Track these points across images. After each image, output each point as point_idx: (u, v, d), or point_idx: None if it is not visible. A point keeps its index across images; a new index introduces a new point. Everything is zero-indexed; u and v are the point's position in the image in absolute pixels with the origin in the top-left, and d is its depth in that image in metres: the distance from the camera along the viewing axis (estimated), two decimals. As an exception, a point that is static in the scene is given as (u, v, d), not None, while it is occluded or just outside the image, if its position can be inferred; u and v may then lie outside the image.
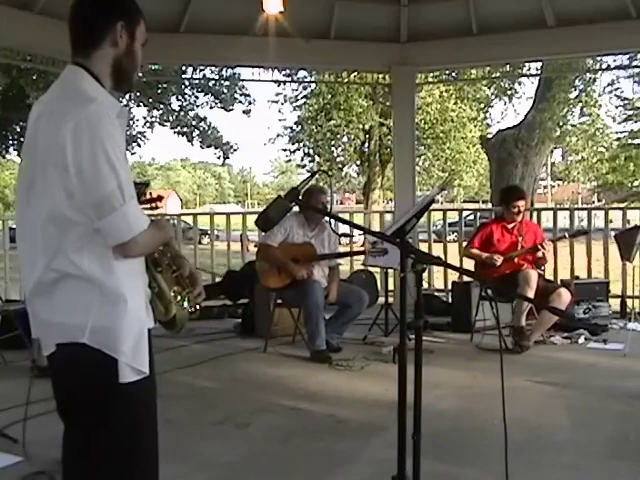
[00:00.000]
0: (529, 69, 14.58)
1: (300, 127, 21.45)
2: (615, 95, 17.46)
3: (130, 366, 1.72)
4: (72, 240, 1.68)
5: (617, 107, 18.62)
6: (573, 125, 16.90)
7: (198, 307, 2.04)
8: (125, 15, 1.82)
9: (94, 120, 1.65)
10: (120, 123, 1.76)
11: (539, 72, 14.06)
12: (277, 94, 21.56)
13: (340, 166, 22.25)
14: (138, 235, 1.67)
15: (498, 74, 14.64)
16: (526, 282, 5.20)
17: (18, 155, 19.50)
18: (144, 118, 18.62)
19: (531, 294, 5.12)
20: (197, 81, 18.17)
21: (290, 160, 25.52)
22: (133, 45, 1.83)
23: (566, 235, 5.81)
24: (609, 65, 14.90)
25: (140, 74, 1.96)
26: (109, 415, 1.76)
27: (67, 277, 1.69)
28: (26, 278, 1.80)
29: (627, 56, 13.72)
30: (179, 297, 1.97)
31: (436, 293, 7.41)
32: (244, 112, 19.66)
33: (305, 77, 18.68)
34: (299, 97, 21.06)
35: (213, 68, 15.53)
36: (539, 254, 5.50)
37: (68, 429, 1.85)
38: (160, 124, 18.92)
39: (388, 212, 9.22)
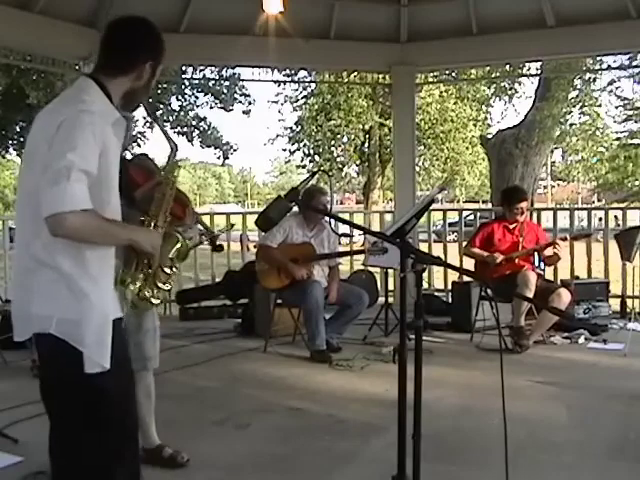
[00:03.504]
0: (529, 69, 14.58)
1: (300, 127, 21.44)
2: (615, 95, 17.47)
3: (93, 359, 1.80)
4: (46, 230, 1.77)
5: (617, 107, 18.64)
6: (573, 124, 16.89)
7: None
8: (156, 56, 2.03)
9: (76, 114, 1.79)
10: (115, 131, 1.91)
11: (539, 72, 14.06)
12: (277, 94, 21.57)
13: (340, 166, 22.23)
14: (69, 212, 1.71)
15: (498, 74, 14.65)
16: (525, 283, 5.20)
17: (18, 155, 19.52)
18: (144, 118, 18.63)
19: (530, 295, 5.12)
20: (197, 81, 18.18)
21: (290, 160, 25.53)
22: (152, 80, 2.05)
23: (567, 237, 5.81)
24: (609, 65, 14.91)
25: None
26: (72, 405, 1.85)
27: (43, 267, 1.80)
28: (15, 265, 1.92)
29: (627, 56, 13.72)
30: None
31: (436, 293, 7.41)
32: (244, 112, 19.69)
33: (305, 77, 18.67)
34: (299, 97, 21.06)
35: (213, 68, 15.53)
36: (548, 252, 5.50)
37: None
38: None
39: (388, 212, 9.22)
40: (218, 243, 2.46)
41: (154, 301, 2.10)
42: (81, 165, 1.74)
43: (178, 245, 2.21)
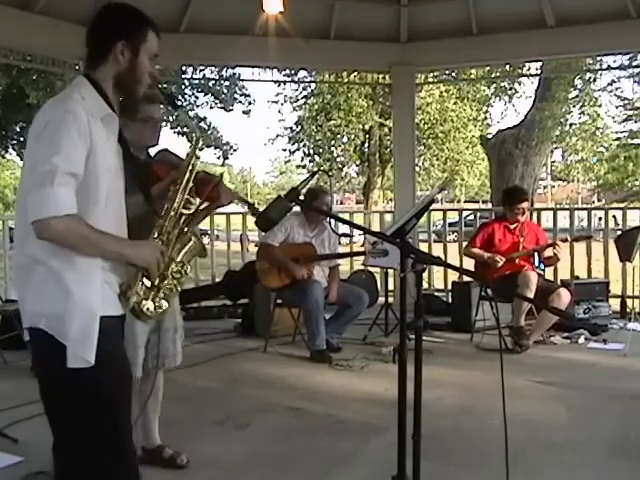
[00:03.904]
0: (529, 69, 14.58)
1: (300, 127, 21.44)
2: (615, 95, 17.46)
3: (77, 354, 1.81)
4: None
5: (617, 107, 18.63)
6: (572, 124, 16.88)
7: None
8: (126, 35, 1.95)
9: (61, 113, 1.80)
10: (106, 127, 1.90)
11: (539, 72, 14.06)
12: (277, 94, 21.57)
13: (340, 166, 22.24)
14: (52, 218, 1.73)
15: (498, 74, 14.65)
16: (525, 284, 5.20)
17: (18, 155, 19.52)
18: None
19: (530, 295, 5.12)
20: (197, 81, 18.17)
21: (290, 160, 25.53)
22: (136, 61, 1.97)
23: (568, 238, 5.80)
24: (609, 65, 14.91)
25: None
26: (63, 401, 1.86)
27: (37, 264, 1.82)
28: (13, 262, 1.95)
29: (627, 56, 13.71)
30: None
31: (436, 293, 7.41)
32: (244, 112, 19.70)
33: (305, 77, 18.67)
34: (299, 97, 21.06)
35: (213, 68, 15.53)
36: (548, 253, 5.50)
37: None
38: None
39: (388, 212, 9.22)
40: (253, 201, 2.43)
41: (162, 307, 2.02)
42: (66, 168, 1.75)
43: (191, 243, 2.11)
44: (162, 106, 2.84)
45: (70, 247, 1.80)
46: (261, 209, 2.16)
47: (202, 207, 2.24)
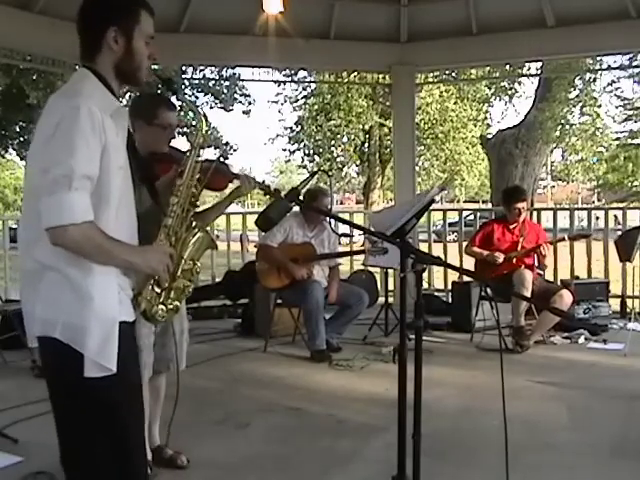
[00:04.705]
0: (529, 69, 14.59)
1: (300, 127, 21.44)
2: (615, 95, 17.45)
3: (95, 362, 1.75)
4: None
5: (617, 107, 18.63)
6: (572, 124, 16.88)
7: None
8: (116, 21, 1.85)
9: (74, 111, 1.71)
10: (116, 122, 1.82)
11: (539, 72, 14.06)
12: (277, 94, 21.55)
13: (340, 166, 22.23)
14: (69, 225, 1.67)
15: (498, 74, 14.65)
16: (521, 282, 5.21)
17: (18, 155, 19.52)
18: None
19: (527, 294, 5.13)
20: (197, 81, 18.18)
21: (290, 160, 25.51)
22: (131, 45, 1.87)
23: (566, 237, 5.81)
24: (609, 65, 14.94)
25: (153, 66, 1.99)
26: (74, 410, 1.81)
27: (48, 271, 1.75)
28: (19, 264, 1.87)
29: (627, 56, 13.71)
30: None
31: (436, 293, 7.41)
32: (244, 112, 19.72)
33: (305, 77, 18.67)
34: (299, 97, 21.06)
35: (213, 68, 15.53)
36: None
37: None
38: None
39: (388, 212, 9.20)
40: (273, 188, 2.37)
41: (174, 307, 2.00)
42: (82, 171, 1.68)
43: (199, 237, 2.03)
44: (160, 89, 2.74)
45: (83, 255, 1.74)
46: (265, 207, 2.15)
47: (224, 197, 2.19)
